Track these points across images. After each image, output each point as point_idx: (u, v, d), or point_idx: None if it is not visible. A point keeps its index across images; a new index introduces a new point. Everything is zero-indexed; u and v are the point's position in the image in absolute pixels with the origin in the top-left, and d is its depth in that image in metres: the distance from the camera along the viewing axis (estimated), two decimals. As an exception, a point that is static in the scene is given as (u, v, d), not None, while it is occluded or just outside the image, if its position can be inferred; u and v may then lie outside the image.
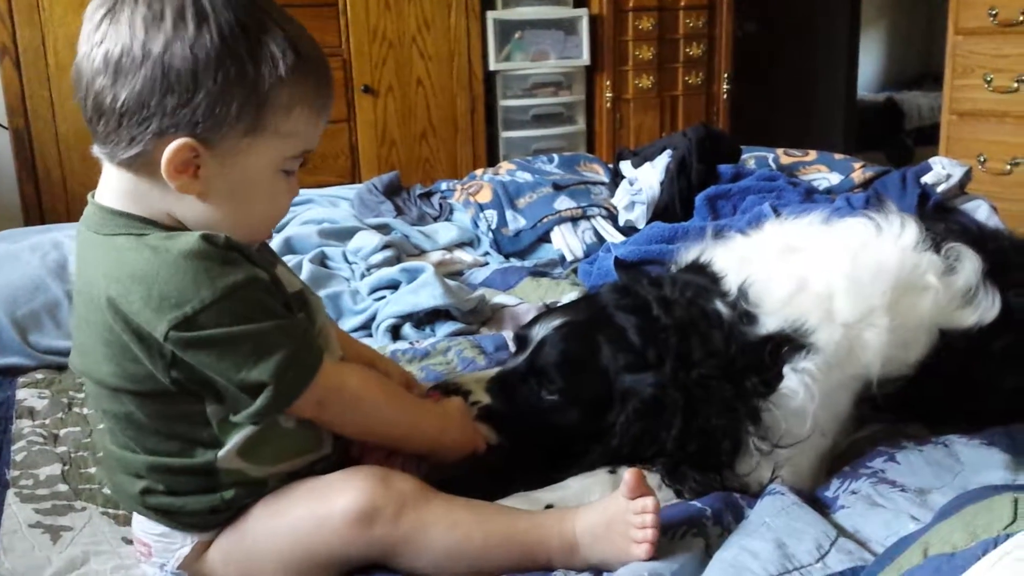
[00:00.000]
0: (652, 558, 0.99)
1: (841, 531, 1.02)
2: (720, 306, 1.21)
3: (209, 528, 1.06)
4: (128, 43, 0.93)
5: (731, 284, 1.23)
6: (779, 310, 1.18)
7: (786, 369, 1.14)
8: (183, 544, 1.06)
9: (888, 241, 1.28)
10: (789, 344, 1.16)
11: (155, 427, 1.03)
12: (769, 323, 1.18)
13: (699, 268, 1.31)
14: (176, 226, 1.01)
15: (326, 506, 1.02)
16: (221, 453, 1.02)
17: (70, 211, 3.19)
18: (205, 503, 1.04)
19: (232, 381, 0.97)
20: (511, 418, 1.21)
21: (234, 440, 1.02)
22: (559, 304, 1.79)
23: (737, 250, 1.33)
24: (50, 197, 3.25)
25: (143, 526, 1.08)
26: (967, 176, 2.28)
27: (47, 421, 1.49)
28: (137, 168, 0.99)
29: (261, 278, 1.00)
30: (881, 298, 1.19)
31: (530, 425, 1.20)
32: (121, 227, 1.00)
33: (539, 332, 1.23)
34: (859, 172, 2.45)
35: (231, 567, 1.06)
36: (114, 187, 1.02)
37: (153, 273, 0.95)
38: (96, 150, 1.01)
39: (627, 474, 1.02)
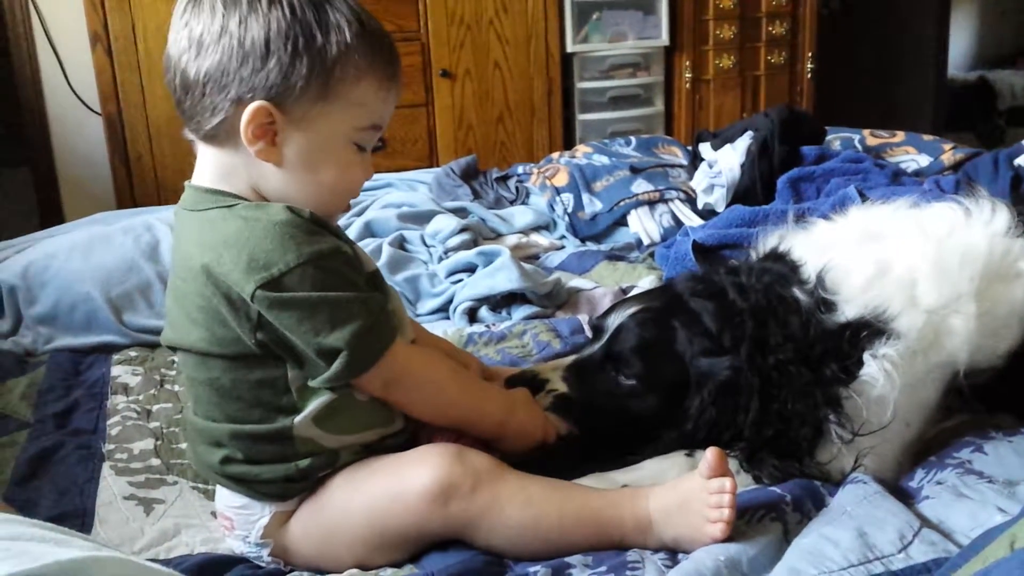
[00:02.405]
0: (727, 539, 0.99)
1: (925, 522, 1.01)
2: (798, 293, 1.19)
3: (286, 498, 1.09)
4: (209, 21, 1.03)
5: (810, 271, 1.21)
6: (858, 296, 1.16)
7: (866, 356, 1.12)
8: (261, 515, 1.10)
9: (977, 226, 1.24)
10: (868, 330, 1.13)
11: (238, 393, 1.07)
12: (848, 310, 1.16)
13: (778, 256, 1.29)
14: (261, 200, 1.08)
15: (402, 482, 1.05)
16: (298, 419, 1.06)
17: (160, 195, 3.29)
18: (280, 472, 1.07)
19: (310, 345, 1.02)
20: (587, 405, 1.21)
21: (311, 407, 1.06)
22: (635, 290, 1.79)
23: (818, 236, 1.31)
24: (141, 181, 3.36)
25: (225, 500, 1.12)
26: (1063, 158, 2.19)
27: (140, 397, 1.55)
28: (222, 140, 1.07)
29: (344, 250, 1.07)
30: (969, 284, 1.16)
31: (607, 411, 1.21)
32: (212, 202, 1.07)
33: (615, 320, 1.23)
34: (949, 154, 2.38)
35: (310, 540, 1.09)
36: (205, 168, 1.10)
37: (244, 238, 1.02)
38: (187, 132, 1.10)
39: (708, 452, 1.02)
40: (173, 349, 1.14)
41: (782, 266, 1.25)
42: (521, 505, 1.04)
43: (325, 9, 1.05)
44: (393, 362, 1.06)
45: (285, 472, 1.08)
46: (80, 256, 1.89)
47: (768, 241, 1.35)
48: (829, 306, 1.17)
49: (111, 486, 1.28)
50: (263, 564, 1.11)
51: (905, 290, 1.16)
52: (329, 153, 1.08)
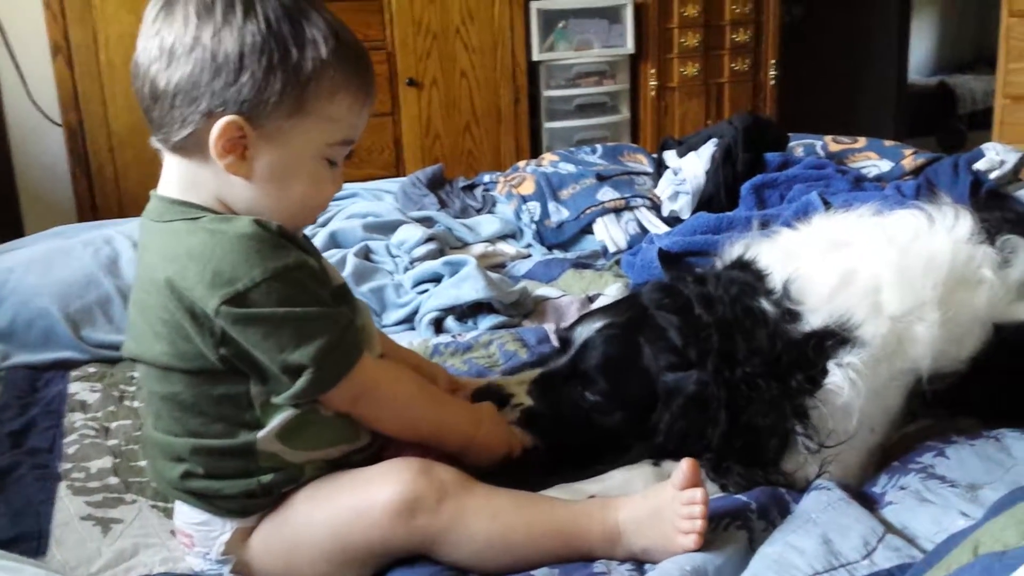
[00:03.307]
0: (697, 549, 0.99)
1: (889, 527, 1.01)
2: (765, 304, 1.19)
3: (247, 514, 1.08)
4: (181, 32, 1.00)
5: (776, 281, 1.21)
6: (823, 306, 1.16)
7: (831, 365, 1.13)
8: (223, 531, 1.08)
9: (940, 233, 1.25)
10: (833, 339, 1.14)
11: (200, 408, 1.05)
12: (813, 319, 1.16)
13: (744, 265, 1.29)
14: (229, 212, 1.06)
15: (367, 497, 1.04)
16: (261, 434, 1.04)
17: (122, 207, 3.24)
18: (242, 487, 1.06)
19: (275, 361, 1.01)
20: (553, 419, 1.21)
21: (274, 422, 1.04)
22: (601, 298, 1.78)
23: (782, 245, 1.31)
24: (103, 193, 3.31)
25: (185, 516, 1.10)
26: (1021, 162, 2.22)
27: (99, 414, 1.52)
28: (190, 151, 1.04)
29: (311, 264, 1.05)
30: (932, 291, 1.17)
31: (573, 426, 1.20)
32: (178, 214, 1.05)
33: (581, 334, 1.23)
34: (910, 159, 2.40)
35: (272, 556, 1.07)
36: (171, 178, 1.08)
37: (208, 252, 1.00)
38: (154, 140, 1.07)
39: (683, 463, 1.02)
40: (135, 361, 1.11)
41: (748, 275, 1.25)
42: (487, 518, 1.03)
43: (301, 23, 1.02)
44: (360, 378, 1.05)
45: (247, 487, 1.06)
46: (38, 270, 1.86)
47: (734, 249, 1.35)
48: (794, 316, 1.17)
49: (68, 506, 1.25)
50: None
51: (869, 298, 1.17)
52: (300, 168, 1.06)
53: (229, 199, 1.06)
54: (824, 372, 1.13)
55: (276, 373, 1.02)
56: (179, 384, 1.05)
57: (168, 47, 1.00)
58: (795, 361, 1.14)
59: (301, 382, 1.01)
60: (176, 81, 1.00)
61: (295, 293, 1.01)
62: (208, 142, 1.02)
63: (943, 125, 6.00)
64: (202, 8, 1.00)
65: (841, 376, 1.12)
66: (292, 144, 1.04)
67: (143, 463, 1.36)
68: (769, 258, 1.27)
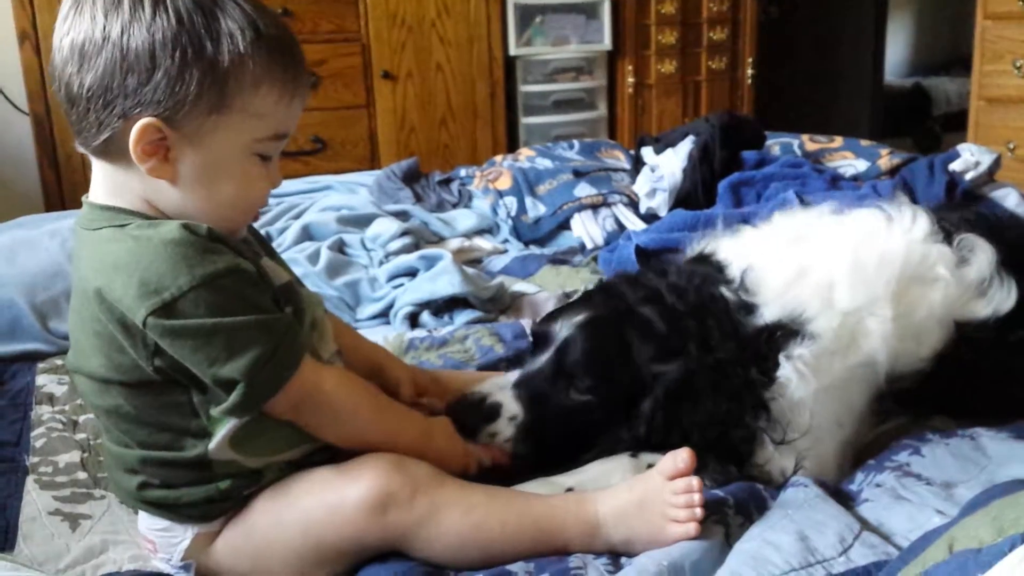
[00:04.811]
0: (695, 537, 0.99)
1: (865, 524, 1.01)
2: (726, 292, 1.21)
3: (209, 519, 1.05)
4: (90, 30, 0.95)
5: (735, 272, 1.23)
6: (777, 299, 1.18)
7: (781, 357, 1.14)
8: (183, 537, 1.05)
9: (896, 232, 1.27)
10: (783, 331, 1.15)
11: (145, 419, 1.02)
12: (767, 312, 1.18)
13: (704, 258, 1.30)
14: (158, 215, 1.02)
15: (339, 494, 1.02)
16: (212, 445, 1.01)
17: (91, 197, 3.20)
18: (201, 494, 1.03)
19: (206, 375, 0.97)
20: (547, 426, 1.19)
21: (224, 431, 1.01)
22: (574, 296, 1.77)
23: (743, 240, 1.32)
24: (70, 183, 3.26)
25: (146, 522, 1.08)
26: (996, 163, 2.24)
27: (66, 407, 1.49)
28: (112, 156, 1.00)
29: (245, 268, 1.00)
30: (885, 288, 1.19)
31: (564, 430, 1.19)
32: (105, 220, 1.01)
33: (562, 330, 1.22)
34: (886, 159, 2.41)
35: (240, 559, 1.05)
36: (98, 182, 1.04)
37: (134, 261, 0.96)
38: (77, 144, 1.03)
39: (682, 451, 1.02)
40: (77, 373, 1.07)
41: (709, 268, 1.27)
42: (461, 512, 1.02)
43: (216, 16, 0.97)
44: (300, 387, 1.01)
45: (206, 494, 1.03)
46: (3, 261, 1.83)
47: (697, 245, 1.37)
48: (750, 309, 1.18)
49: (35, 501, 1.23)
50: None
51: (822, 292, 1.18)
52: (228, 168, 1.01)
53: (157, 202, 1.01)
54: (776, 365, 1.14)
55: (209, 385, 0.98)
56: (120, 397, 1.02)
57: (79, 47, 0.96)
58: (752, 353, 1.15)
59: (234, 397, 0.97)
60: (89, 83, 0.96)
61: (226, 301, 0.97)
62: (128, 146, 0.97)
63: (919, 126, 6.07)
64: (110, 3, 0.95)
65: (790, 368, 1.13)
66: (216, 143, 0.99)
67: (111, 459, 1.34)
68: (729, 252, 1.28)
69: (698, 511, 0.99)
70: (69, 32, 0.97)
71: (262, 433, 1.03)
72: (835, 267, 1.20)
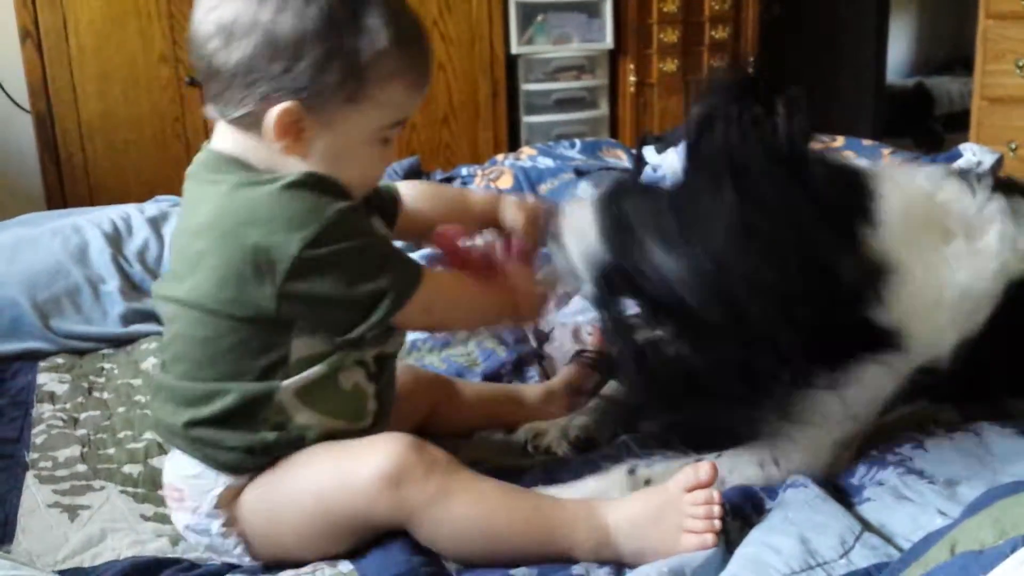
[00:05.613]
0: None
1: (866, 526, 1.01)
2: None
3: (241, 471, 1.07)
4: (240, 10, 1.00)
5: None
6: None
7: None
8: (215, 485, 1.07)
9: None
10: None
11: (234, 352, 1.05)
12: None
13: None
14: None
15: (355, 463, 1.03)
16: (285, 383, 1.05)
17: (92, 195, 3.19)
18: (244, 441, 1.06)
19: (352, 293, 1.02)
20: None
21: (301, 376, 1.06)
22: (577, 298, 1.75)
23: None
24: (72, 181, 3.25)
25: (177, 468, 1.10)
26: (998, 163, 2.24)
27: (67, 405, 1.49)
28: (246, 127, 1.05)
29: (362, 211, 1.10)
30: None
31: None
32: (235, 168, 1.06)
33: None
34: (888, 159, 2.41)
35: (257, 517, 1.07)
36: (227, 139, 1.08)
37: (274, 202, 1.01)
38: (209, 109, 1.08)
39: (705, 464, 1.02)
40: (168, 301, 1.11)
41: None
42: (472, 499, 1.03)
43: (360, 11, 1.02)
44: (428, 289, 1.07)
45: (248, 442, 1.06)
46: (5, 259, 1.82)
47: None
48: None
49: (35, 494, 1.23)
50: (210, 536, 1.08)
51: None
52: (355, 151, 1.07)
53: (281, 168, 1.05)
54: None
55: (348, 306, 1.03)
56: (220, 328, 1.05)
57: (226, 25, 1.00)
58: None
59: (385, 305, 1.03)
60: (235, 62, 1.00)
61: (362, 228, 1.05)
62: (263, 122, 1.02)
63: (920, 126, 6.06)
64: None
65: None
66: (349, 130, 1.05)
67: (112, 451, 1.35)
68: None
69: (717, 522, 0.99)
70: (216, 8, 1.01)
71: (325, 391, 1.08)
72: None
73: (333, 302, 1.03)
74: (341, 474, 1.03)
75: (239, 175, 1.04)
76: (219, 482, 1.07)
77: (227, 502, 1.07)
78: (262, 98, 1.01)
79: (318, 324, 1.05)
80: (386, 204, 1.24)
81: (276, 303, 1.01)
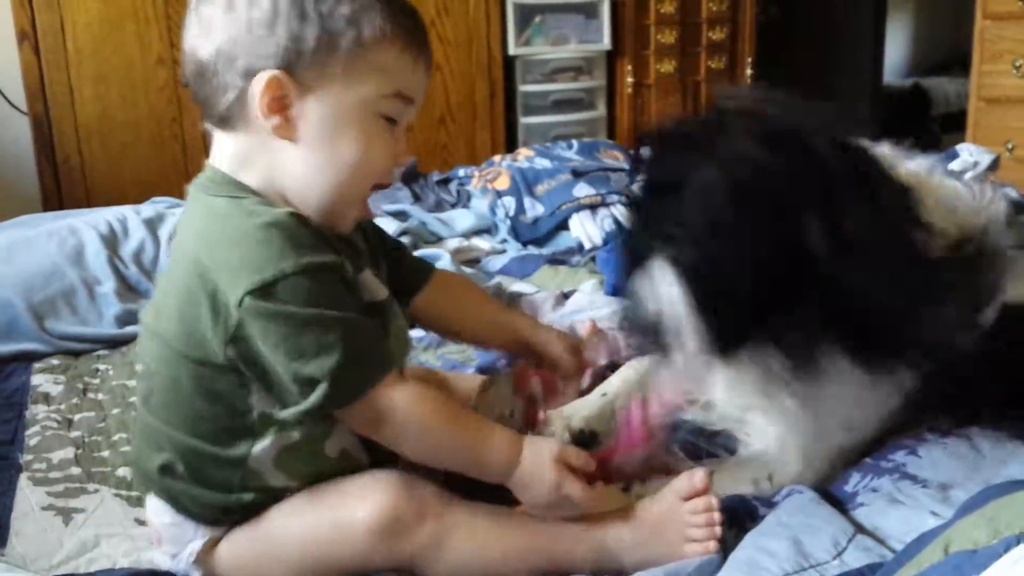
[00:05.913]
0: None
1: (859, 528, 1.00)
2: None
3: (218, 524, 1.04)
4: (219, 2, 0.99)
5: None
6: None
7: None
8: (194, 537, 1.04)
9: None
10: None
11: (198, 402, 0.99)
12: None
13: None
14: (277, 199, 1.01)
15: (346, 514, 1.00)
16: (256, 449, 0.99)
17: (89, 197, 3.19)
18: (219, 500, 1.02)
19: (288, 370, 0.93)
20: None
21: (268, 440, 0.99)
22: (576, 298, 1.74)
23: None
24: (69, 183, 3.25)
25: (156, 512, 1.06)
26: (995, 164, 2.24)
27: (62, 406, 1.49)
28: (235, 122, 1.00)
29: (345, 268, 0.98)
30: None
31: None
32: (223, 190, 1.01)
33: None
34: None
35: (241, 566, 1.03)
36: (225, 153, 1.03)
37: (240, 236, 0.95)
38: (206, 123, 1.04)
39: (699, 471, 1.01)
40: (145, 328, 1.06)
41: None
42: (467, 537, 1.00)
43: None
44: (380, 398, 0.96)
45: (224, 502, 1.02)
46: (1, 261, 1.83)
47: None
48: None
49: (28, 497, 1.23)
50: None
51: None
52: (349, 123, 0.99)
53: (277, 172, 1.01)
54: None
55: (287, 383, 0.94)
56: (182, 369, 0.99)
57: (206, 19, 0.99)
58: None
59: (313, 397, 0.93)
60: (216, 47, 0.98)
61: (323, 295, 0.93)
62: (252, 107, 0.98)
63: (917, 126, 6.05)
64: None
65: None
66: (338, 96, 0.99)
67: (106, 453, 1.34)
68: None
69: (717, 529, 0.98)
70: (197, 10, 1.01)
71: (309, 463, 1.01)
72: None
73: (268, 367, 0.94)
74: (334, 526, 1.00)
75: (225, 200, 0.99)
76: (198, 534, 1.03)
77: (207, 552, 1.04)
78: (244, 74, 0.97)
79: (268, 385, 0.97)
80: (409, 273, 1.18)
81: (222, 351, 0.95)
